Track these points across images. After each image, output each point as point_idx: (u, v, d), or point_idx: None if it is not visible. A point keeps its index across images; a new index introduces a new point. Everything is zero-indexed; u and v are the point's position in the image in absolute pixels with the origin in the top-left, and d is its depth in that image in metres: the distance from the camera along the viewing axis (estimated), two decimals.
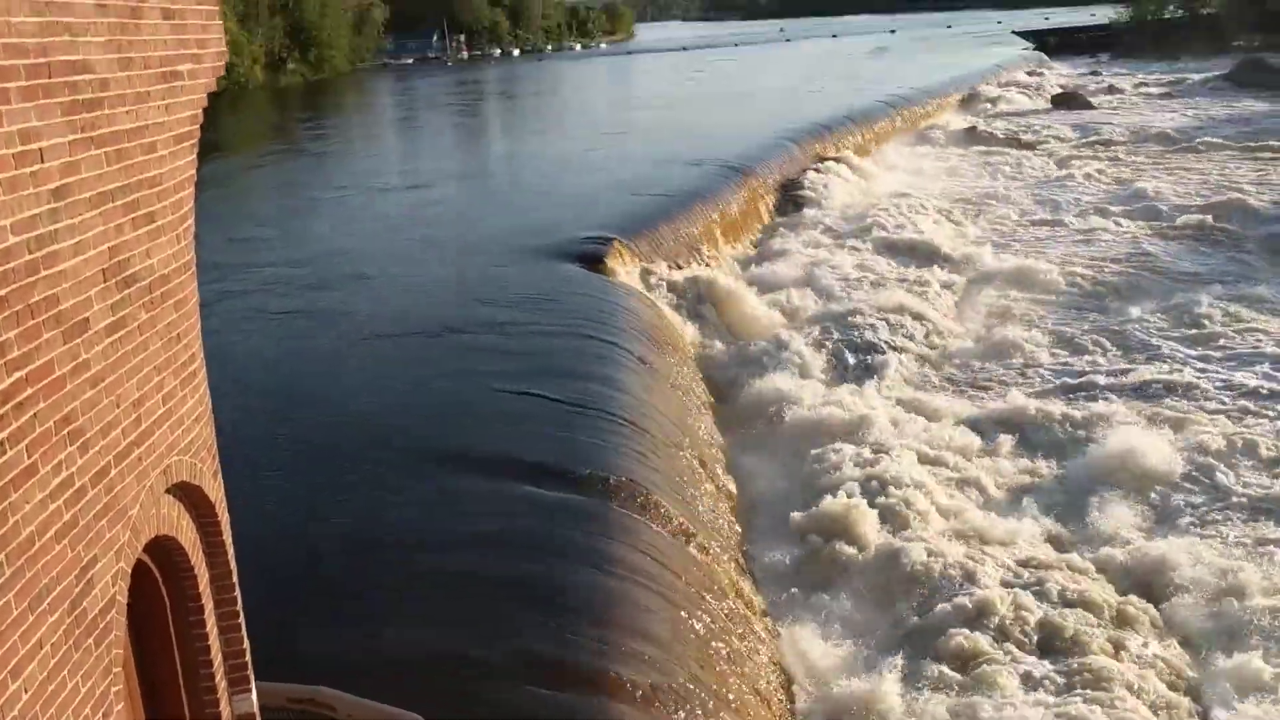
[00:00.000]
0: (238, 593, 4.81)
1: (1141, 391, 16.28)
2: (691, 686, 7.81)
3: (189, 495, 4.42)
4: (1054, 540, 12.01)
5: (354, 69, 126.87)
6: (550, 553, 8.86)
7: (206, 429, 4.53)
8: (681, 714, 7.50)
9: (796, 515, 12.02)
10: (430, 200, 28.40)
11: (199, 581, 4.55)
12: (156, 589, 4.39)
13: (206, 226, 4.79)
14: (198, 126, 4.43)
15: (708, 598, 9.17)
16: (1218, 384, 16.48)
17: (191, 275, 4.40)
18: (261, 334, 15.57)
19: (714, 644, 8.63)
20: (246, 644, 4.86)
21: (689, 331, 18.58)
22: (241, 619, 4.83)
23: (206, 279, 4.67)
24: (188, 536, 4.43)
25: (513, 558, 8.79)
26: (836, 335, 18.59)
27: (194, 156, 4.40)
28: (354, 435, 11.36)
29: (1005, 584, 10.70)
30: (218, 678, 4.65)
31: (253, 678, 4.91)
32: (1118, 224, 27.41)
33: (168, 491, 4.17)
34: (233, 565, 4.81)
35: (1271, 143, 39.19)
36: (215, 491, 4.61)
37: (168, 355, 4.12)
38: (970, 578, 10.72)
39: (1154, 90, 62.35)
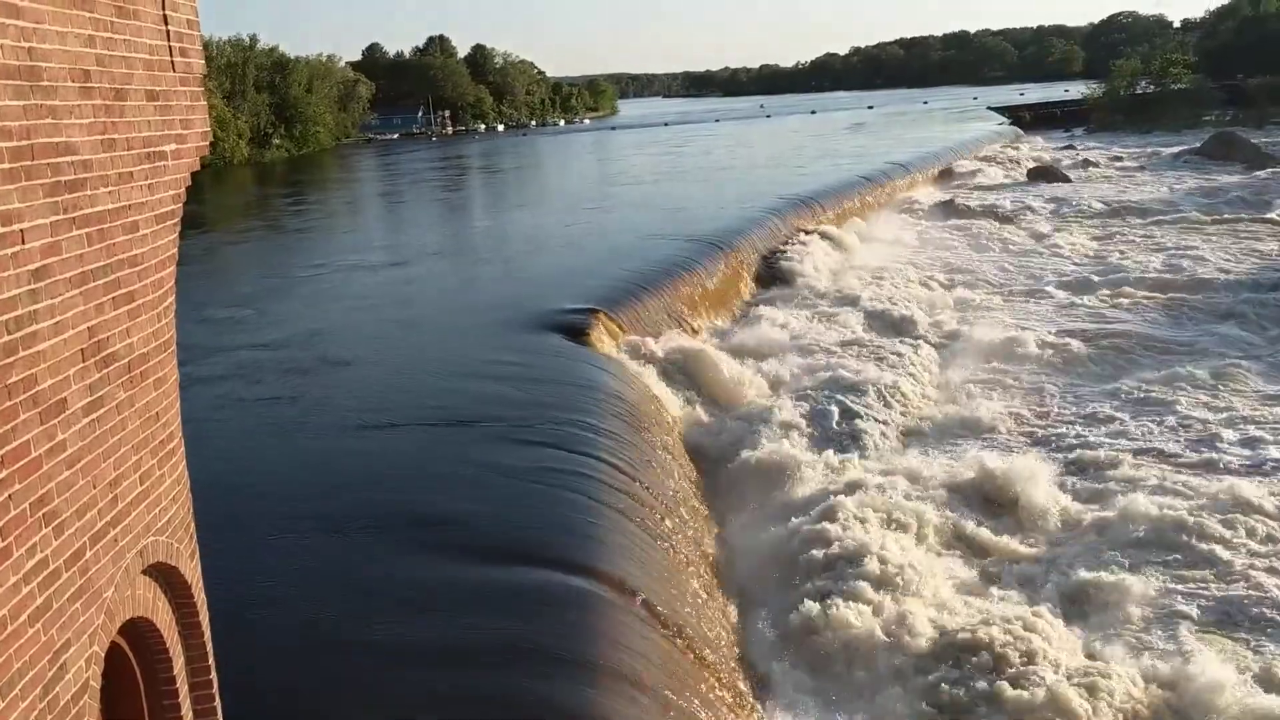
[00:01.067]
0: (214, 675, 4.73)
1: (1121, 461, 16.31)
2: None
3: (165, 576, 4.36)
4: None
5: (338, 144, 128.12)
6: (532, 656, 8.63)
7: (184, 509, 4.49)
8: None
9: (786, 608, 11.88)
10: (411, 277, 28.30)
11: (174, 664, 4.47)
12: (131, 671, 4.31)
13: (182, 306, 4.78)
14: (180, 205, 4.46)
15: (691, 695, 9.02)
16: (1193, 453, 16.58)
17: (171, 354, 4.39)
18: (237, 422, 15.00)
19: None
20: None
21: (673, 402, 18.58)
22: (218, 702, 4.74)
23: (178, 362, 4.64)
24: (163, 618, 4.36)
25: (494, 661, 8.55)
26: (819, 405, 18.62)
27: (176, 235, 4.43)
28: (332, 522, 11.19)
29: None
30: None
31: None
32: (1094, 296, 27.73)
33: (144, 572, 4.11)
34: (209, 647, 4.74)
35: (1243, 215, 39.92)
36: (192, 572, 4.55)
37: (146, 434, 4.10)
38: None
39: (1129, 163, 63.48)
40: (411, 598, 9.38)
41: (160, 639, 4.38)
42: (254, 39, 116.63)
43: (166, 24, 4.25)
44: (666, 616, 9.88)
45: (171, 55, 4.29)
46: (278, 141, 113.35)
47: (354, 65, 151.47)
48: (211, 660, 4.75)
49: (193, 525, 4.61)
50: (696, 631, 10.16)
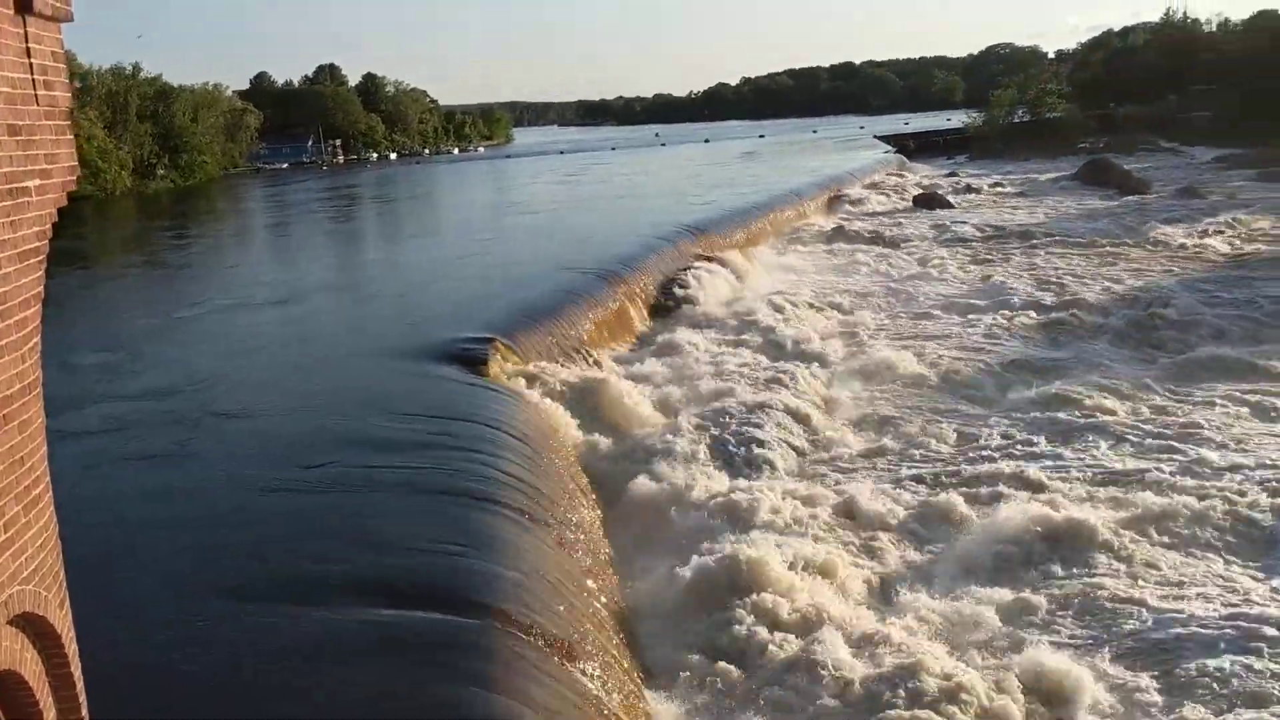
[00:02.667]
0: (78, 678, 4.54)
1: (1003, 476, 16.79)
2: None
3: (33, 626, 4.19)
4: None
5: (226, 174, 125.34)
6: (426, 694, 8.51)
7: (52, 556, 4.32)
8: None
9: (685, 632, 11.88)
10: (300, 314, 27.21)
11: (45, 717, 4.29)
12: None
13: (50, 349, 4.60)
14: (46, 242, 4.32)
15: None
16: (1074, 465, 17.18)
17: (37, 396, 4.24)
18: (111, 483, 13.80)
19: None
20: None
21: (571, 430, 18.54)
22: (83, 707, 4.56)
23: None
24: (32, 670, 4.19)
25: (380, 696, 8.41)
26: (717, 430, 18.78)
27: (41, 273, 4.28)
28: (213, 571, 10.83)
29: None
30: None
31: None
32: (977, 317, 28.60)
33: (9, 623, 3.95)
34: (83, 699, 4.56)
35: (1116, 238, 41.69)
36: (62, 621, 4.38)
37: (10, 479, 3.94)
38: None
39: (1008, 189, 65.75)
40: (298, 650, 9.10)
41: (29, 692, 4.20)
42: (136, 67, 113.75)
43: (29, 56, 4.13)
44: (564, 644, 9.82)
45: (35, 89, 4.17)
46: (162, 172, 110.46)
47: (242, 94, 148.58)
48: (86, 714, 4.57)
49: (62, 573, 4.44)
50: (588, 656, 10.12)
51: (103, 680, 5.04)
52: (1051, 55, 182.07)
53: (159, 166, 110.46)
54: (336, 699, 8.34)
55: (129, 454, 15.19)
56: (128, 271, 41.52)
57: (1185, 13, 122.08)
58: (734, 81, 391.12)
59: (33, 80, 4.15)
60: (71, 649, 4.46)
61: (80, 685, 4.55)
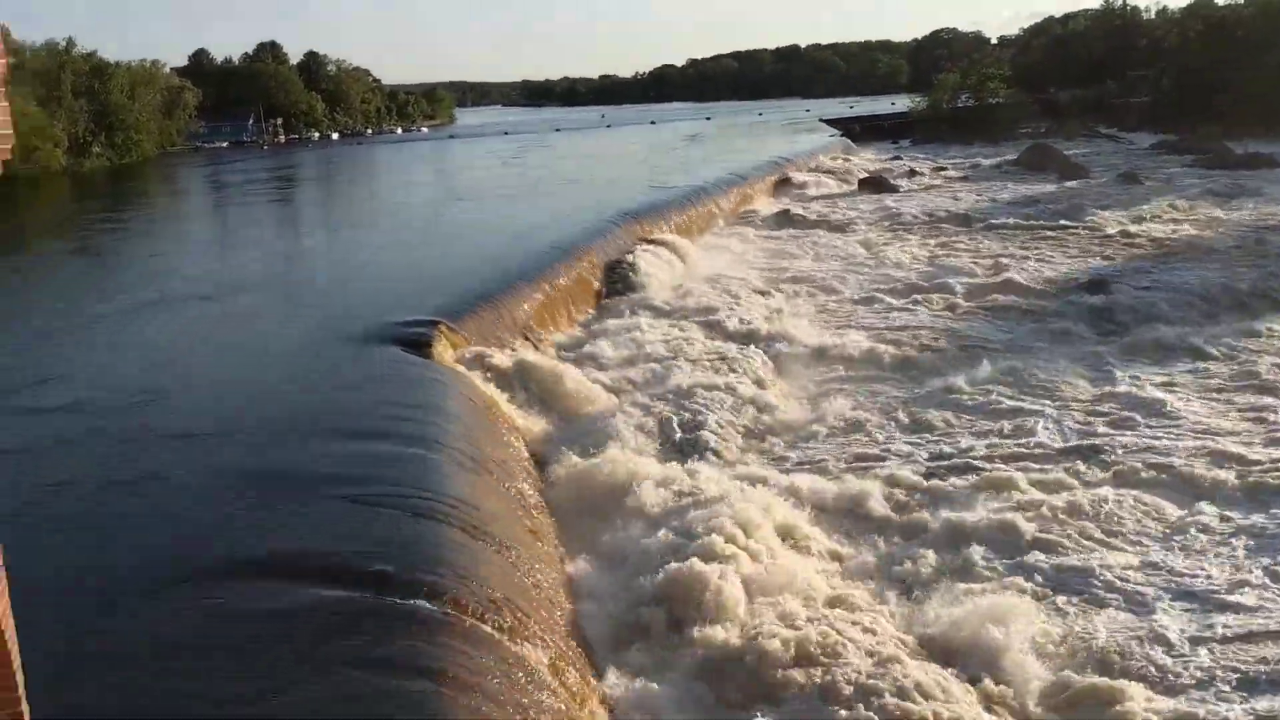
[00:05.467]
0: (17, 668, 4.40)
1: (952, 458, 17.00)
2: None
3: None
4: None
5: (164, 153, 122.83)
6: (365, 664, 8.43)
7: None
8: None
9: (631, 602, 11.91)
10: (237, 304, 25.83)
11: None
12: None
13: None
14: None
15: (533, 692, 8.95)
16: (1020, 444, 17.46)
17: None
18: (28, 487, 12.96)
19: None
20: None
21: (515, 413, 18.46)
22: (23, 700, 4.43)
23: None
24: None
25: (322, 671, 8.34)
26: (664, 412, 18.81)
27: None
28: (147, 553, 10.63)
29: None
30: None
31: None
32: (922, 300, 28.90)
33: None
34: (20, 679, 4.42)
35: (1058, 221, 42.33)
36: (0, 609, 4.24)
37: None
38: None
39: (952, 173, 66.42)
40: (240, 645, 8.95)
41: None
42: (70, 42, 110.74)
43: None
44: (510, 629, 9.77)
45: None
46: (98, 150, 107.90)
47: (180, 71, 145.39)
48: (15, 657, 4.43)
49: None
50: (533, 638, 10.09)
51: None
52: (995, 41, 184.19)
53: (94, 145, 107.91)
54: (279, 679, 8.23)
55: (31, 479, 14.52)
56: (52, 258, 39.27)
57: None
58: (680, 63, 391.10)
59: None
60: (10, 635, 4.33)
61: (18, 664, 4.41)
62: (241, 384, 17.92)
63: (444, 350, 19.98)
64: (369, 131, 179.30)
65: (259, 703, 7.94)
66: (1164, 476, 15.87)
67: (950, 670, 10.69)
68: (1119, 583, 12.78)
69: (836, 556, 13.96)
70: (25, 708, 4.37)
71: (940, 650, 11.23)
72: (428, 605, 9.48)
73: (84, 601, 9.59)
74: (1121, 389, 20.36)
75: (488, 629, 9.52)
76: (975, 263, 34.41)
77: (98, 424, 15.43)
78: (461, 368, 19.52)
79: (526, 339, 23.01)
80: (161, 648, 8.79)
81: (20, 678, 4.35)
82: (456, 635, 9.17)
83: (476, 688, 8.43)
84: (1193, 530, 14.16)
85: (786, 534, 14.05)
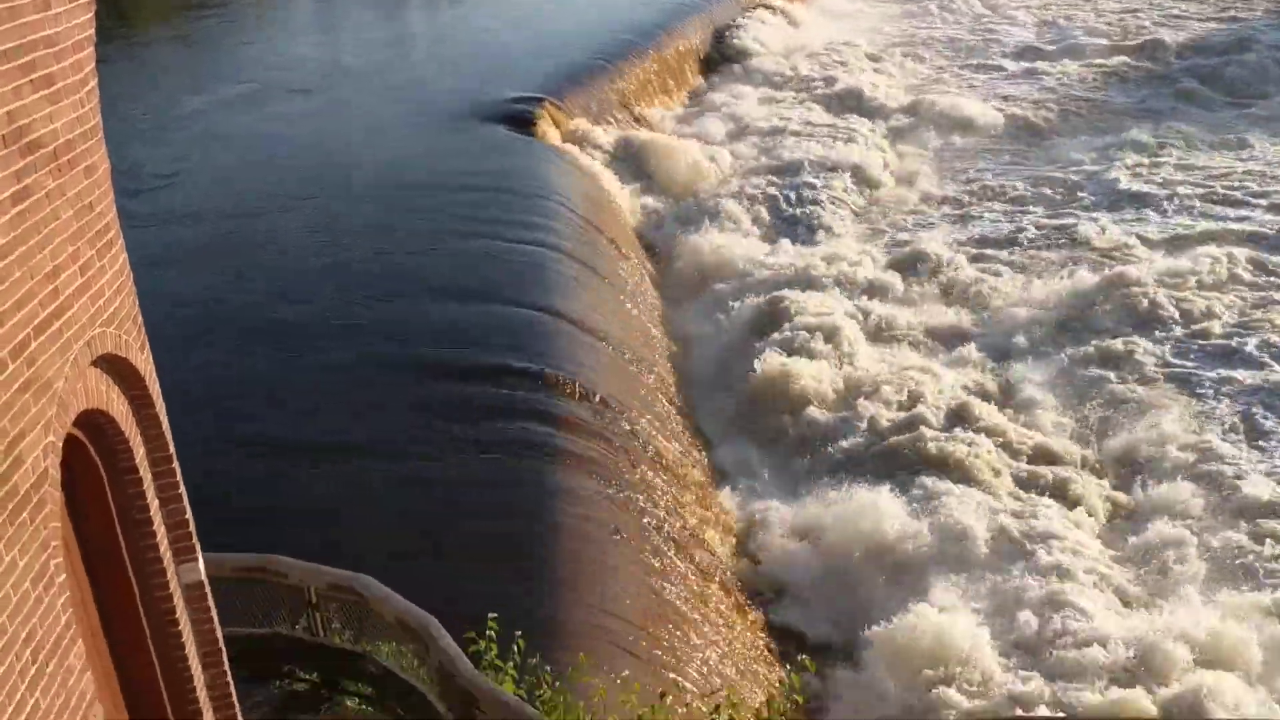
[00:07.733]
0: (176, 464, 4.76)
1: (1070, 231, 16.53)
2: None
3: (117, 368, 4.32)
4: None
5: None
6: (496, 448, 8.87)
7: (129, 300, 4.41)
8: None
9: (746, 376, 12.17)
10: (347, 81, 25.76)
11: (135, 454, 4.49)
12: (92, 463, 4.33)
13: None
14: None
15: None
16: (1151, 220, 16.86)
17: (99, 141, 4.20)
18: (181, 268, 14.14)
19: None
20: (189, 514, 4.84)
21: (623, 192, 18.41)
22: (182, 489, 4.79)
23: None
24: (119, 409, 4.34)
25: (459, 454, 8.79)
26: (771, 189, 18.54)
27: (91, 15, 4.16)
28: (286, 337, 11.17)
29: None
30: (162, 548, 4.63)
31: (199, 547, 4.90)
32: (1047, 64, 27.38)
33: (93, 364, 4.07)
34: (168, 436, 4.75)
35: None
36: (144, 364, 4.51)
37: (80, 224, 3.97)
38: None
39: None
40: (373, 401, 9.47)
41: (118, 430, 4.38)
42: None
43: None
44: (622, 408, 10.09)
45: None
46: None
47: None
48: (172, 449, 4.77)
49: (139, 316, 4.53)
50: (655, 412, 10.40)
51: (181, 416, 5.25)
52: None
53: None
54: (409, 451, 8.73)
55: (190, 245, 15.28)
56: (153, 47, 38.91)
57: None
58: None
59: None
60: (155, 390, 4.61)
61: (165, 424, 4.72)
62: (359, 171, 17.95)
63: (548, 128, 19.80)
64: None
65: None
66: None
67: None
68: None
69: None
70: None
71: None
72: (554, 398, 9.86)
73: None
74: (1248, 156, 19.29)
75: (606, 413, 9.85)
76: (1101, 23, 32.18)
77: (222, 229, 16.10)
78: (567, 146, 19.38)
79: (631, 115, 22.63)
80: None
81: (166, 424, 4.66)
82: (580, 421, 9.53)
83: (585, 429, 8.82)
84: None
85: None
